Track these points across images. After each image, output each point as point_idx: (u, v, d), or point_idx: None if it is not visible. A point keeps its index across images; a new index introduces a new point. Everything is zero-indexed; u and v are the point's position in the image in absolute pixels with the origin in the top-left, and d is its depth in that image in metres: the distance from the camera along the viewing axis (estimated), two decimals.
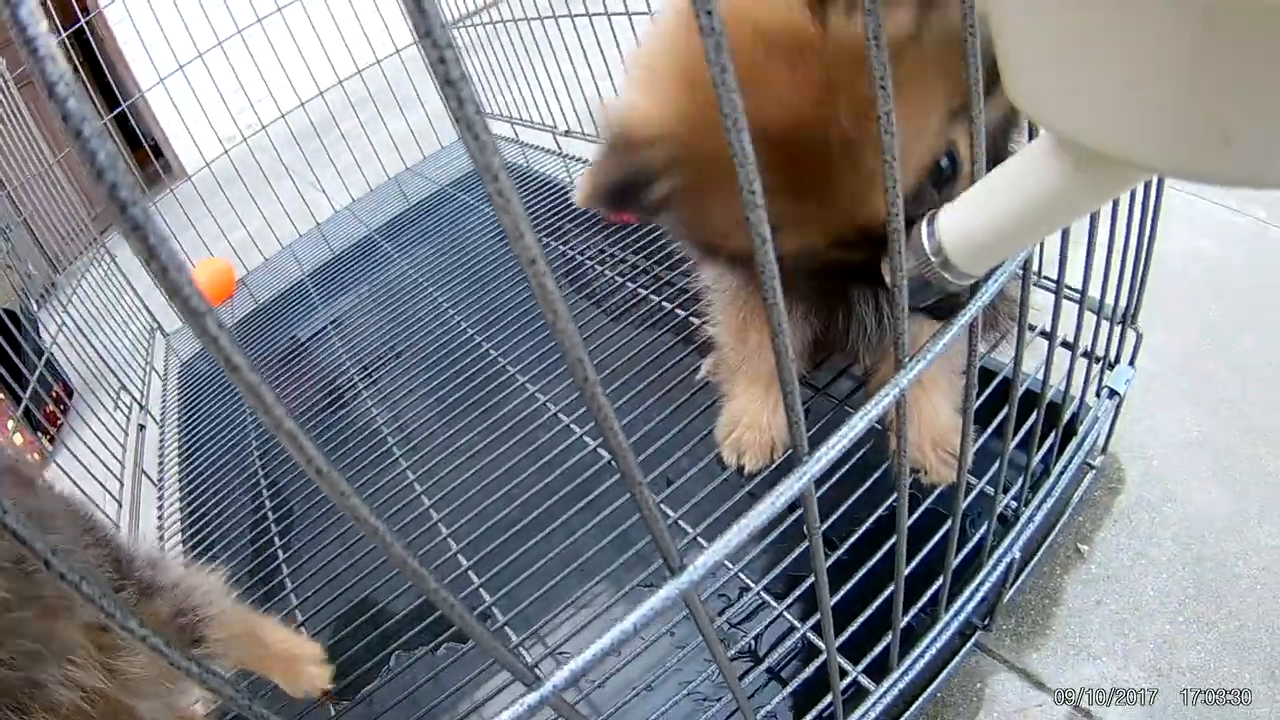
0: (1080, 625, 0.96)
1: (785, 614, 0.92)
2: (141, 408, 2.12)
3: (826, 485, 0.95)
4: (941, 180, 0.61)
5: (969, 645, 0.94)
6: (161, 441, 2.02)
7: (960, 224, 0.43)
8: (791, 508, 0.96)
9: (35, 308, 2.57)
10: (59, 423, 2.57)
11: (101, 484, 1.68)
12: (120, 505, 1.68)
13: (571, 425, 1.29)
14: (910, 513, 0.92)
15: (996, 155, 0.63)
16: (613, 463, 1.13)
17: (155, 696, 0.77)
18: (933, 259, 0.44)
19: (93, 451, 1.73)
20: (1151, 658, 0.91)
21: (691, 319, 1.42)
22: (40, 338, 2.56)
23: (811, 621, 0.89)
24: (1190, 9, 0.25)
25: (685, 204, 0.66)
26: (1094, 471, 1.08)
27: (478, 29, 2.52)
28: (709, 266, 0.97)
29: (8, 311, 2.51)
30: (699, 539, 1.01)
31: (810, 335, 1.00)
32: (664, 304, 1.53)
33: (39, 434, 2.44)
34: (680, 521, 1.04)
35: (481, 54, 2.55)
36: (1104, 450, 1.09)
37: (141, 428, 2.04)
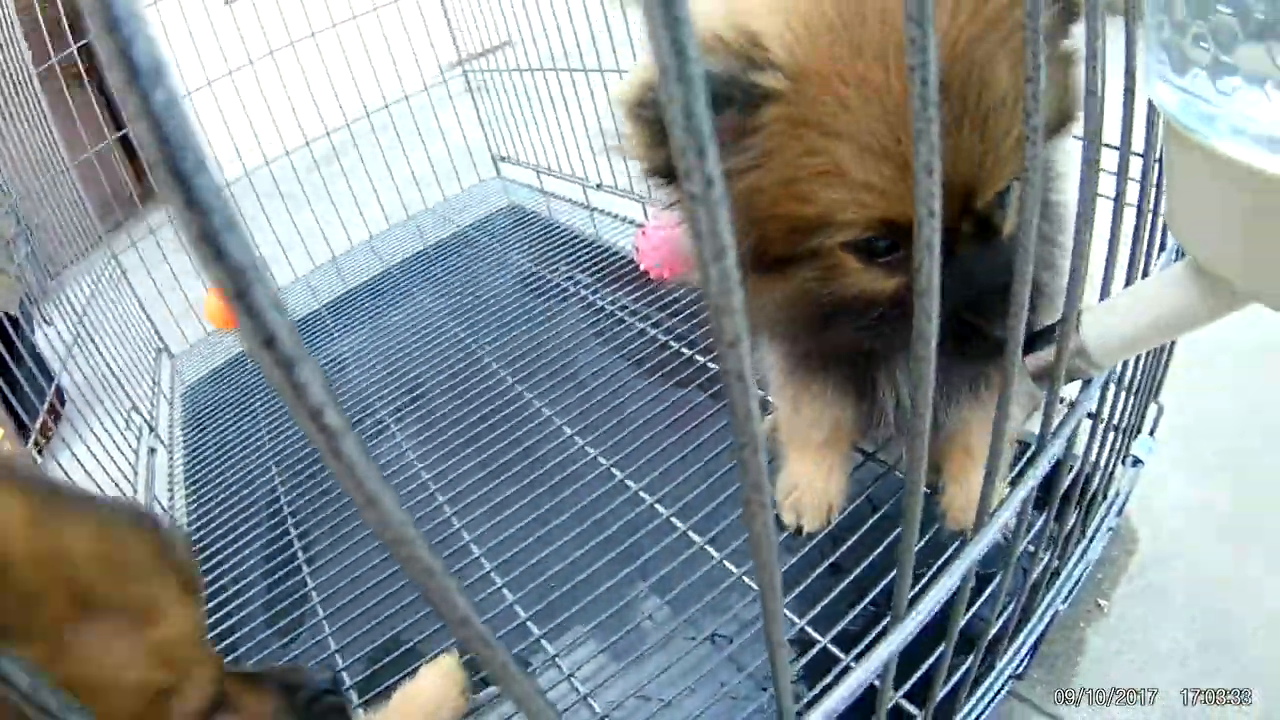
0: (1103, 673, 1.04)
1: (851, 664, 0.98)
2: (152, 430, 2.11)
3: (886, 542, 1.03)
4: (1002, 201, 0.64)
5: (1005, 692, 1.00)
6: (170, 466, 2.03)
7: (1103, 326, 0.51)
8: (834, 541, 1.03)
9: (42, 317, 2.56)
10: (49, 434, 2.57)
11: None
12: None
13: (612, 469, 1.35)
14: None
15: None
16: (672, 520, 1.20)
17: None
18: (1074, 351, 0.52)
19: (106, 472, 1.76)
20: (1164, 701, 0.99)
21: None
22: (35, 345, 2.54)
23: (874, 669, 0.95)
24: None
25: (777, 147, 0.62)
26: (1111, 532, 1.15)
27: (505, 75, 2.58)
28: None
29: (8, 316, 2.50)
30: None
31: (858, 415, 1.03)
32: (698, 358, 1.60)
33: (27, 444, 2.43)
34: (746, 578, 1.10)
35: (507, 99, 2.60)
36: (1120, 513, 1.17)
37: (152, 451, 2.04)
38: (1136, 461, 1.10)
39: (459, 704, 1.08)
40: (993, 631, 0.85)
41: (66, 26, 2.27)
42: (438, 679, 1.09)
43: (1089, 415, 0.97)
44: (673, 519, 1.21)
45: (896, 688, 0.91)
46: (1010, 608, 0.89)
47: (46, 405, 2.52)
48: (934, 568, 0.94)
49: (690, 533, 1.17)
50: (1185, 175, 0.41)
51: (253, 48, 2.41)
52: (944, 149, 0.58)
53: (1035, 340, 0.56)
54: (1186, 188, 0.41)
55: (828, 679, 0.93)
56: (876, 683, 0.53)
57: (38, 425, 2.31)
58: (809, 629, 1.01)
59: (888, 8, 0.57)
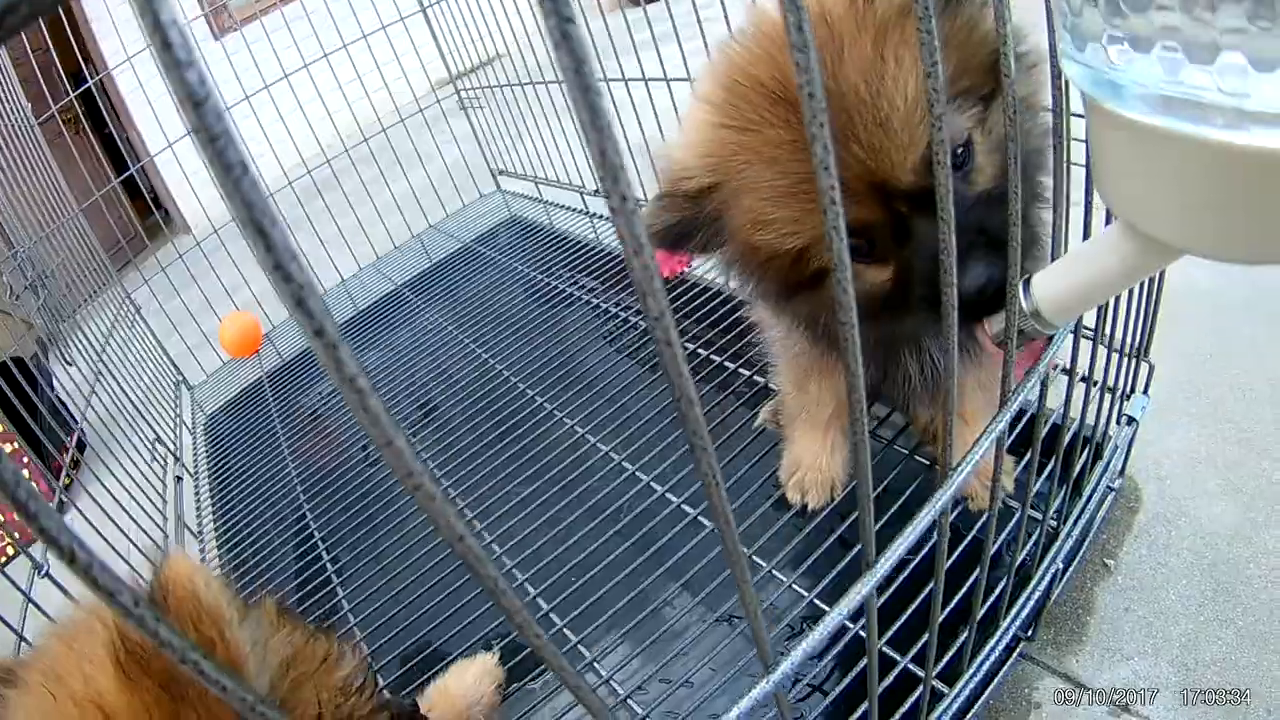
0: (1113, 630, 1.06)
1: (860, 633, 1.01)
2: (177, 459, 2.16)
3: (888, 515, 1.05)
4: (955, 165, 0.69)
5: (1015, 655, 1.03)
6: (196, 494, 2.08)
7: (1052, 287, 0.53)
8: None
9: (63, 358, 2.59)
10: (76, 468, 2.60)
11: (148, 535, 1.71)
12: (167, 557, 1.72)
13: (623, 463, 1.38)
14: (961, 538, 1.03)
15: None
16: (682, 507, 1.24)
17: None
18: (1028, 313, 0.54)
19: (137, 503, 1.78)
20: (1178, 654, 1.01)
21: (740, 371, 1.52)
22: (53, 387, 2.58)
23: (886, 638, 0.98)
24: (1232, 164, 0.37)
25: (725, 223, 0.80)
26: (1114, 493, 1.18)
27: (495, 91, 2.62)
28: (765, 304, 1.05)
29: (16, 360, 2.54)
30: (774, 572, 1.11)
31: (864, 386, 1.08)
32: (700, 351, 1.63)
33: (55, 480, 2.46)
34: (754, 557, 1.13)
35: (500, 114, 2.64)
36: (1122, 473, 1.19)
37: (179, 479, 2.07)
38: (1130, 420, 1.12)
39: (494, 700, 1.12)
40: (990, 599, 0.88)
41: (62, 74, 2.32)
42: (475, 674, 1.12)
43: (1083, 380, 1.01)
44: (684, 506, 1.25)
45: (901, 652, 0.94)
46: (1006, 572, 0.91)
47: (72, 442, 2.57)
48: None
49: (701, 518, 1.20)
50: (1104, 141, 0.44)
51: (248, 81, 2.46)
52: (839, 152, 0.66)
53: (992, 306, 0.59)
54: (1107, 153, 0.44)
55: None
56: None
57: (68, 459, 2.36)
58: (818, 602, 1.04)
59: (763, 85, 0.72)
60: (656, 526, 1.22)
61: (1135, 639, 1.05)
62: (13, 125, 2.35)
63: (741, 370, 1.51)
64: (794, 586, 1.08)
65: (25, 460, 2.49)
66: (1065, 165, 0.53)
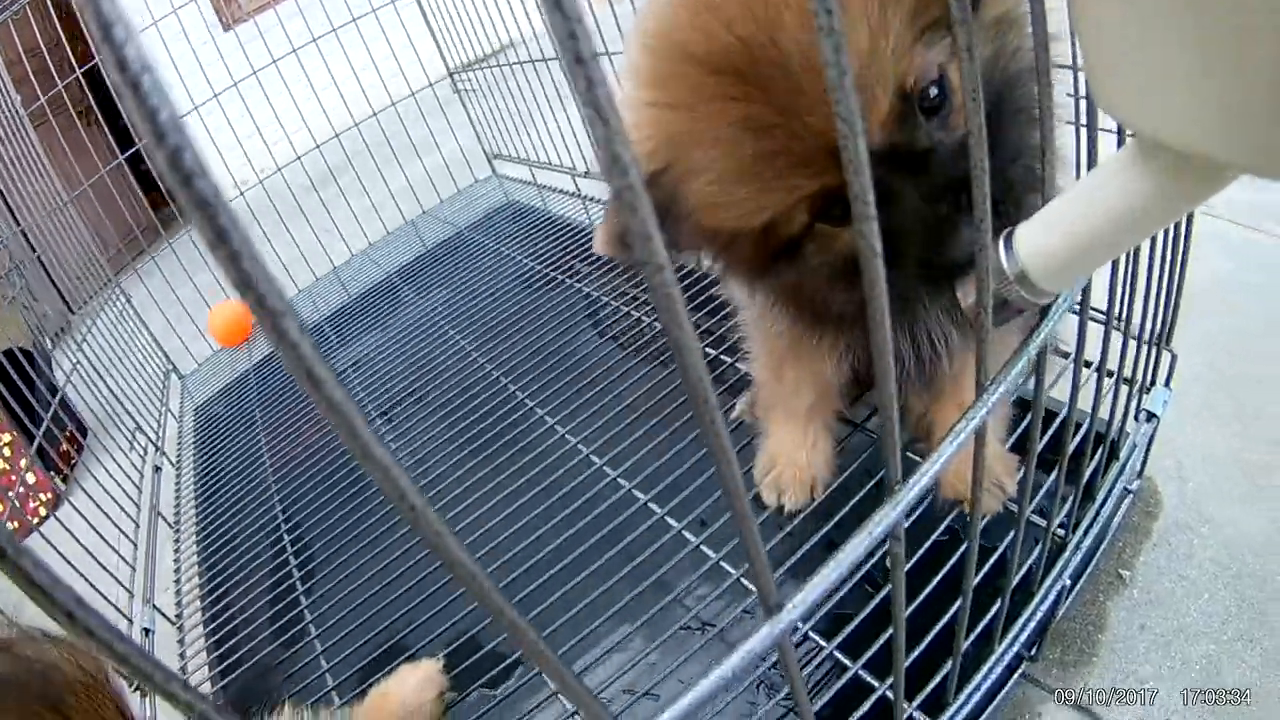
0: (1126, 650, 0.96)
1: (835, 653, 0.91)
2: (157, 449, 2.12)
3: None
4: (930, 108, 0.60)
5: (1016, 676, 0.92)
6: (178, 484, 2.03)
7: (1041, 240, 0.42)
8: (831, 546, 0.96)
9: (50, 346, 2.56)
10: (73, 462, 2.58)
11: (116, 525, 1.66)
12: (135, 546, 1.68)
13: (605, 468, 1.28)
14: (956, 546, 0.92)
15: (997, 92, 0.62)
16: (649, 505, 1.13)
17: None
18: (1011, 277, 0.43)
19: (108, 492, 1.73)
20: (1197, 677, 0.91)
21: (722, 358, 1.42)
22: (54, 377, 2.56)
23: (863, 660, 0.88)
24: None
25: (678, 209, 0.72)
26: (1131, 496, 1.07)
27: (490, 71, 2.55)
28: (740, 293, 0.96)
29: (21, 350, 2.52)
30: (741, 580, 1.01)
31: (848, 372, 0.98)
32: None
33: (52, 473, 2.45)
34: (722, 563, 1.03)
35: (495, 97, 2.59)
36: (1140, 474, 1.09)
37: (157, 469, 2.04)
38: (1151, 416, 1.01)
39: (436, 707, 1.05)
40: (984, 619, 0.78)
41: (52, 67, 2.30)
42: (417, 681, 1.05)
43: (1095, 369, 0.89)
44: (668, 519, 1.14)
45: (881, 677, 0.84)
46: (1003, 589, 0.81)
47: (67, 436, 2.55)
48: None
49: (686, 533, 1.11)
50: (1097, 8, 0.32)
51: (243, 69, 2.44)
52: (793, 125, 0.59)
53: (966, 266, 0.48)
54: (1106, 30, 0.32)
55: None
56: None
57: (59, 450, 2.32)
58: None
59: (694, 56, 0.63)
60: (640, 537, 1.11)
61: (1151, 659, 0.94)
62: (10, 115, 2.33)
63: (724, 357, 1.42)
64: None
65: (23, 453, 2.45)
66: (1047, 67, 0.41)
